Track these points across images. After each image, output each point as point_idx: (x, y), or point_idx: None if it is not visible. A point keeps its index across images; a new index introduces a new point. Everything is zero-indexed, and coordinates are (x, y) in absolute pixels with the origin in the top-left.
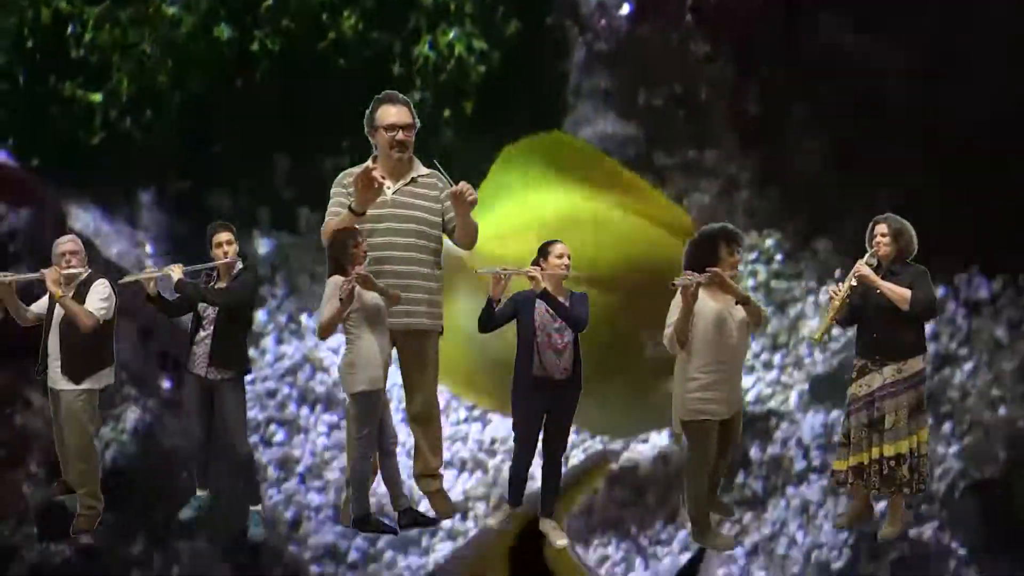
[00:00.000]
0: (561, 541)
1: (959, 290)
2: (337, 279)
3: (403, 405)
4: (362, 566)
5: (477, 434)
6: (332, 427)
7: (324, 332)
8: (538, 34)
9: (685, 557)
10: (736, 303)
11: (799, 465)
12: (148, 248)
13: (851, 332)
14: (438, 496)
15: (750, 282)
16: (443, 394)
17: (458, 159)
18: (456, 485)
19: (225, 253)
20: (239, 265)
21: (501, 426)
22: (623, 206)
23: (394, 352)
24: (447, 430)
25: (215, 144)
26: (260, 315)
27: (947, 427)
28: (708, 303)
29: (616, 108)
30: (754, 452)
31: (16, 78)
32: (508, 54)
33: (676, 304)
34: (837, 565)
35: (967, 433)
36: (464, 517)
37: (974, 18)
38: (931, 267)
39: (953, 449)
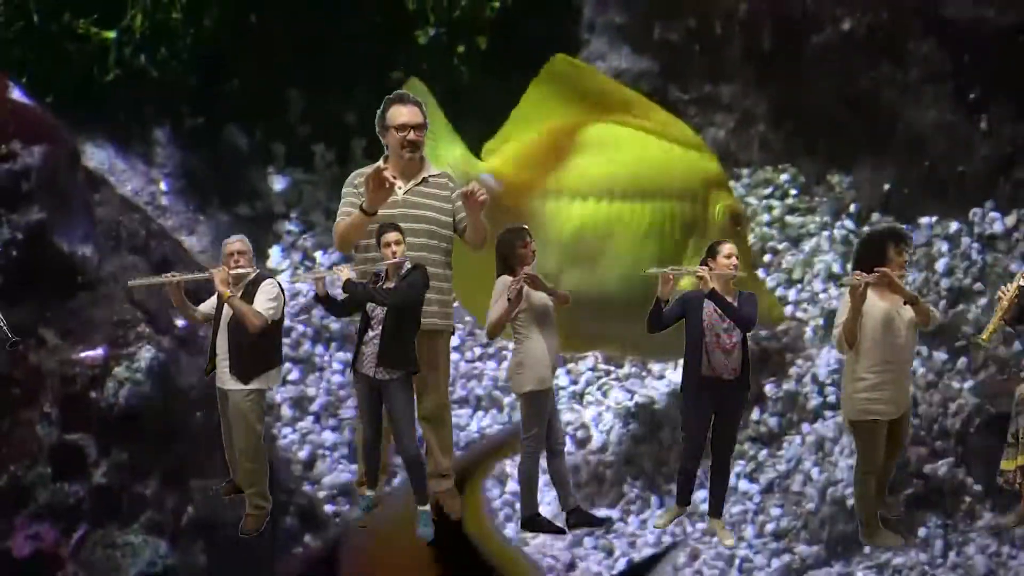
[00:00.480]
0: (728, 541)
1: (973, 224)
2: (505, 279)
3: None
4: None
5: (492, 371)
6: (346, 365)
7: (493, 332)
8: None
9: (702, 494)
10: (904, 303)
11: (814, 401)
12: (163, 185)
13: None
14: (448, 496)
15: (764, 217)
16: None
17: (472, 95)
18: (471, 423)
19: (393, 253)
20: (407, 265)
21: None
22: (634, 124)
23: None
24: (463, 368)
25: (230, 80)
26: (275, 252)
27: (962, 362)
28: (876, 303)
29: (630, 42)
30: (769, 388)
31: (30, 15)
32: None
33: (844, 304)
34: (852, 502)
35: (982, 368)
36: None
37: None
38: (945, 202)
39: (968, 384)
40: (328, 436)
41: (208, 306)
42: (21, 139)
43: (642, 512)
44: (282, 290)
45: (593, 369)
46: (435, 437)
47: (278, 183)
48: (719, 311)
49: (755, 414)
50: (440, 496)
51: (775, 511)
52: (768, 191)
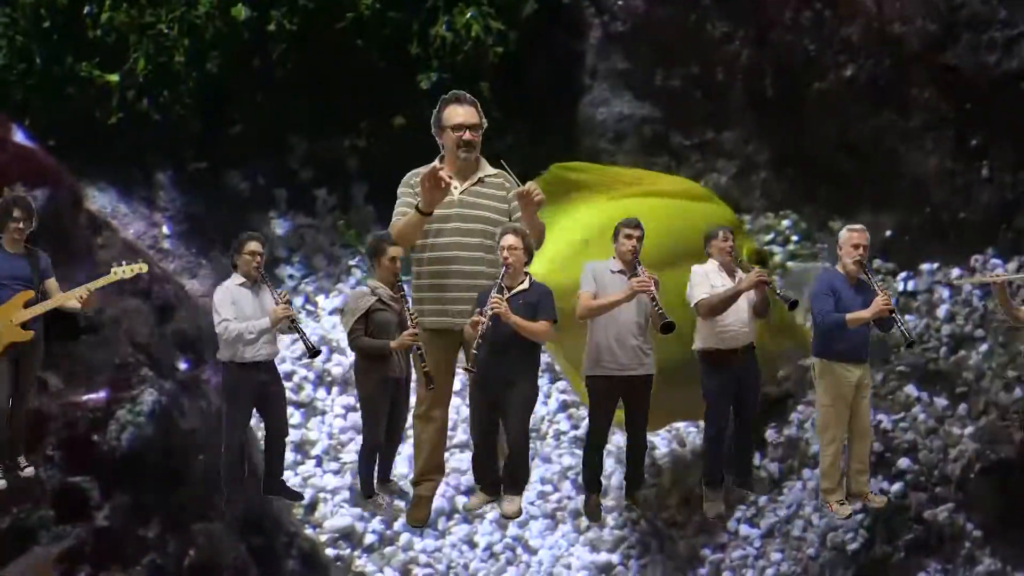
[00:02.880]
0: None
1: (975, 271)
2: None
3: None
4: (378, 548)
5: None
6: (349, 409)
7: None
8: (555, 15)
9: (700, 540)
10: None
11: (815, 447)
12: (165, 229)
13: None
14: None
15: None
16: None
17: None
18: None
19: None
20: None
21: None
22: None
23: (460, 354)
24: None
25: (232, 125)
26: None
27: (962, 408)
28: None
29: (633, 89)
30: (770, 434)
31: (33, 58)
32: (525, 35)
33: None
34: (853, 547)
35: (982, 414)
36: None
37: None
38: (947, 248)
39: (968, 430)
40: (330, 480)
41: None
42: (24, 182)
43: (642, 557)
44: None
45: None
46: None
47: (280, 227)
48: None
49: (756, 459)
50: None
51: (775, 555)
52: (770, 237)
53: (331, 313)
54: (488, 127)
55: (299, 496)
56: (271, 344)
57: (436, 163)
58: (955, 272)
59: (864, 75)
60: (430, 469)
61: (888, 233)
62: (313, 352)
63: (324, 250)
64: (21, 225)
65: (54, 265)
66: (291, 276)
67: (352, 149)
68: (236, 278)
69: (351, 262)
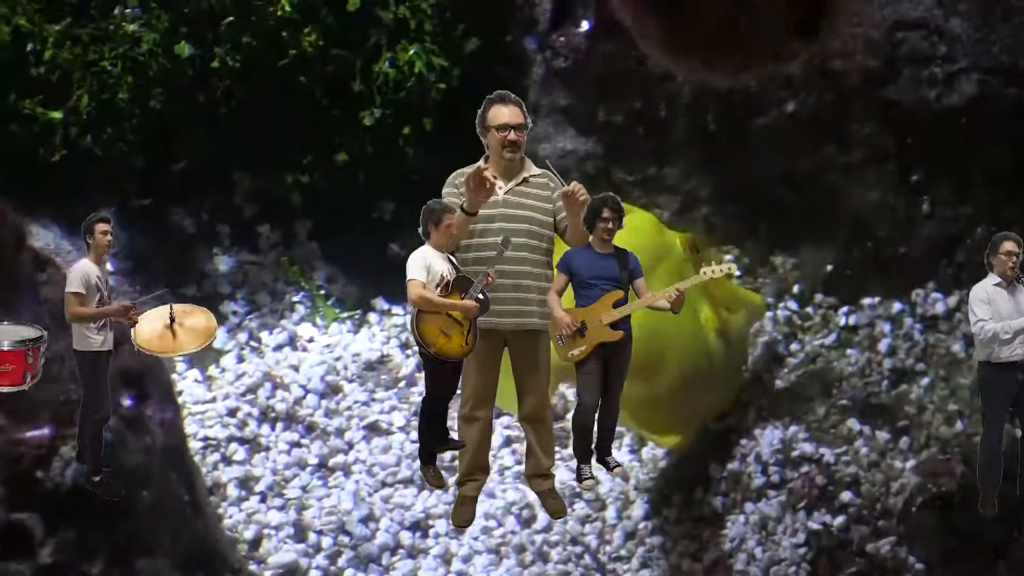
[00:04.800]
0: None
1: (915, 305)
2: None
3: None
4: None
5: None
6: (293, 445)
7: None
8: (497, 51)
9: (645, 573)
10: None
11: (758, 481)
12: (110, 265)
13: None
14: (549, 495)
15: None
16: None
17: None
18: None
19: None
20: None
21: None
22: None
23: (505, 353)
24: None
25: (176, 161)
26: (221, 333)
27: (904, 442)
28: None
29: (575, 125)
30: (712, 469)
31: None
32: (467, 70)
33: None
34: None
35: (924, 447)
36: (425, 535)
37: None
38: (887, 284)
39: (910, 464)
40: (274, 515)
41: None
42: None
43: None
44: None
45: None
46: (536, 437)
47: (223, 263)
48: None
49: (699, 493)
50: (542, 496)
51: None
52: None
53: (275, 349)
54: (430, 164)
55: None
56: None
57: (481, 163)
58: (896, 306)
59: (806, 110)
60: (474, 469)
61: (829, 267)
62: None
63: (268, 286)
64: None
65: None
66: (235, 312)
67: (295, 185)
68: (992, 278)
69: (295, 298)
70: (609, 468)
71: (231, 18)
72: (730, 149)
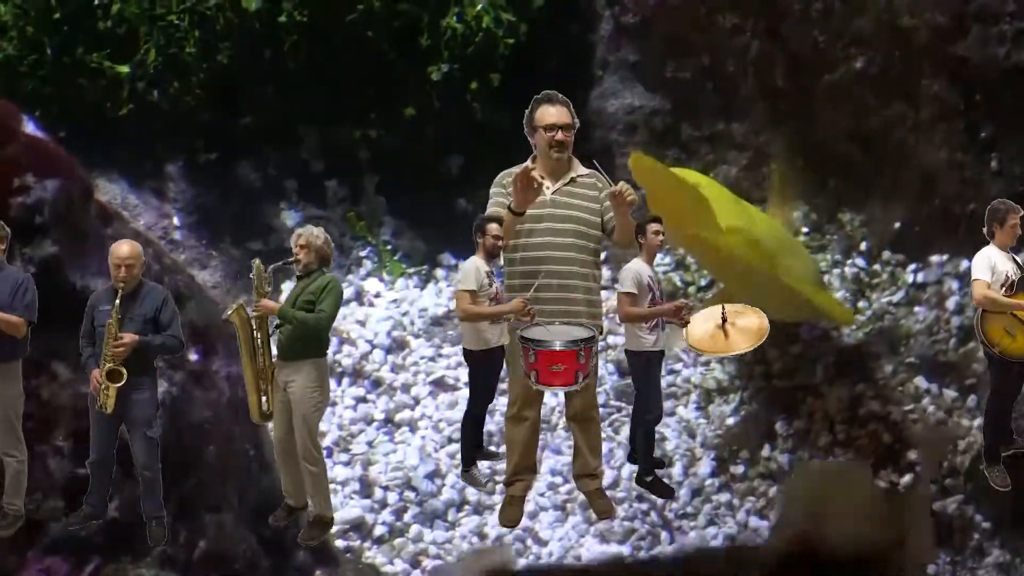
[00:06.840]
0: None
1: None
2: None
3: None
4: (388, 540)
5: None
6: (359, 400)
7: None
8: (566, 6)
9: (712, 531)
10: None
11: (825, 439)
12: (176, 219)
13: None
14: (596, 495)
15: None
16: None
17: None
18: None
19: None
20: None
21: None
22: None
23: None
24: None
25: (243, 116)
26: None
27: (971, 400)
28: None
29: (643, 80)
30: (779, 426)
31: (44, 49)
32: (535, 26)
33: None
34: None
35: None
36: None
37: None
38: (955, 241)
39: (977, 422)
40: (340, 471)
41: None
42: (35, 173)
43: (652, 548)
44: None
45: (604, 405)
46: (583, 437)
47: (290, 218)
48: None
49: (765, 450)
50: (589, 496)
51: None
52: None
53: (342, 304)
54: (499, 119)
55: None
56: None
57: (528, 163)
58: (964, 264)
59: (874, 67)
60: (522, 469)
61: (897, 225)
62: None
63: (334, 241)
64: None
65: (66, 256)
66: None
67: (363, 140)
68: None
69: (361, 253)
70: None
71: None
72: (799, 106)
